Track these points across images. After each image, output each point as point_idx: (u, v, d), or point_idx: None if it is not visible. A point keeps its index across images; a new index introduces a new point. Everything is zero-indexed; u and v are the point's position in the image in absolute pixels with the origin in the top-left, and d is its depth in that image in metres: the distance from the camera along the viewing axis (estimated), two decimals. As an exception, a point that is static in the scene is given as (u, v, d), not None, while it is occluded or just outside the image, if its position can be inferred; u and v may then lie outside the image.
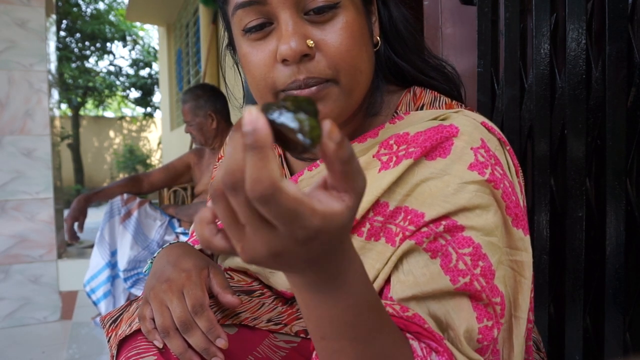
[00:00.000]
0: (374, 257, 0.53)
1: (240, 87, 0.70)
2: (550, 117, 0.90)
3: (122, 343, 0.57)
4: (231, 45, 0.63)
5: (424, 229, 0.50)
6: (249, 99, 0.67)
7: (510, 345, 0.53)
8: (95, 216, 2.65)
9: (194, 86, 2.34)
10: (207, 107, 2.06)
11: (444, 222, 0.49)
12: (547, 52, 0.90)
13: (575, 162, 0.83)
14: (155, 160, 12.03)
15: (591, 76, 0.83)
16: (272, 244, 0.32)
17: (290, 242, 0.32)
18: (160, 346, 0.55)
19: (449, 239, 0.50)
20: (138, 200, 2.02)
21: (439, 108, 0.59)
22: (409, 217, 0.51)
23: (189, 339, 0.54)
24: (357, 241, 0.54)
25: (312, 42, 0.51)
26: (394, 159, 0.53)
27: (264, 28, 0.53)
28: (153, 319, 0.56)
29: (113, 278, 1.93)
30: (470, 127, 0.52)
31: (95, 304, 1.97)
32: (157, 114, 12.25)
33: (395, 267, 0.51)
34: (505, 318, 0.52)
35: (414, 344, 0.45)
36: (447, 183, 0.50)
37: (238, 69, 0.65)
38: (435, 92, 0.61)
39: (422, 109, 0.59)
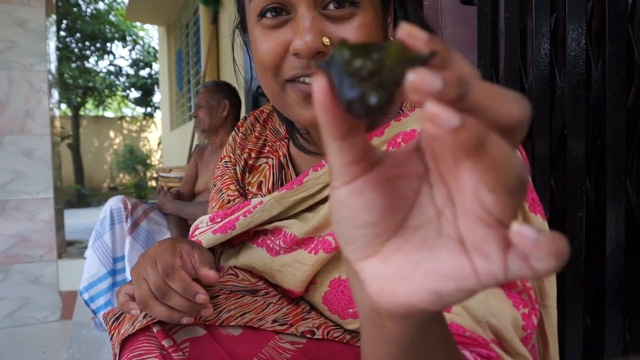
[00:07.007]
0: None
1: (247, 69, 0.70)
2: (550, 117, 0.90)
3: (125, 342, 0.57)
4: (242, 26, 0.63)
5: None
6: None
7: (543, 336, 0.52)
8: (94, 216, 2.64)
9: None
10: (224, 95, 2.12)
11: None
12: (547, 52, 0.90)
13: (575, 162, 0.84)
14: (155, 160, 12.03)
15: (591, 76, 0.83)
16: None
17: None
18: (137, 314, 0.56)
19: None
20: (142, 208, 1.97)
21: None
22: None
23: (169, 302, 0.53)
24: None
25: (327, 40, 0.51)
26: None
27: (280, 16, 0.53)
28: (128, 294, 0.58)
29: (114, 286, 1.91)
30: None
31: (95, 312, 1.93)
32: (157, 114, 12.26)
33: None
34: None
35: (466, 353, 0.42)
36: None
37: (247, 51, 0.65)
38: None
39: None
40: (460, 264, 0.22)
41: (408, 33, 0.20)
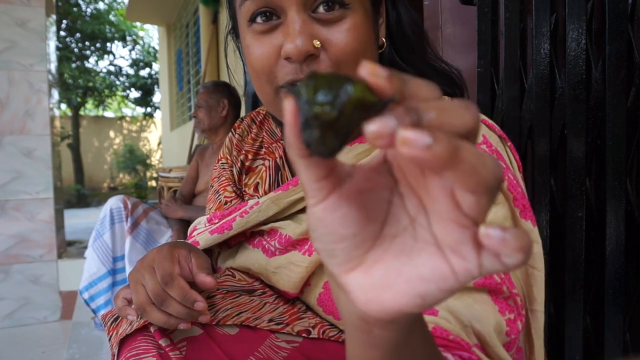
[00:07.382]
0: None
1: (242, 74, 0.71)
2: (550, 117, 0.90)
3: (123, 342, 0.57)
4: (234, 31, 0.63)
5: None
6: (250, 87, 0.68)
7: (530, 341, 0.52)
8: (94, 216, 2.64)
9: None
10: (223, 95, 2.12)
11: None
12: (547, 52, 0.90)
13: (575, 162, 0.83)
14: (155, 160, 12.03)
15: (591, 76, 0.83)
16: None
17: None
18: (134, 319, 0.56)
19: None
20: (142, 207, 1.96)
21: None
22: None
23: (167, 309, 0.54)
24: None
25: (318, 42, 0.51)
26: None
27: (271, 20, 0.53)
28: (126, 298, 0.59)
29: (113, 285, 1.91)
30: None
31: (94, 312, 1.92)
32: (157, 114, 12.26)
33: None
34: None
35: (448, 356, 0.42)
36: None
37: (240, 56, 0.65)
38: None
39: None
40: (439, 266, 0.23)
41: (370, 72, 0.21)
